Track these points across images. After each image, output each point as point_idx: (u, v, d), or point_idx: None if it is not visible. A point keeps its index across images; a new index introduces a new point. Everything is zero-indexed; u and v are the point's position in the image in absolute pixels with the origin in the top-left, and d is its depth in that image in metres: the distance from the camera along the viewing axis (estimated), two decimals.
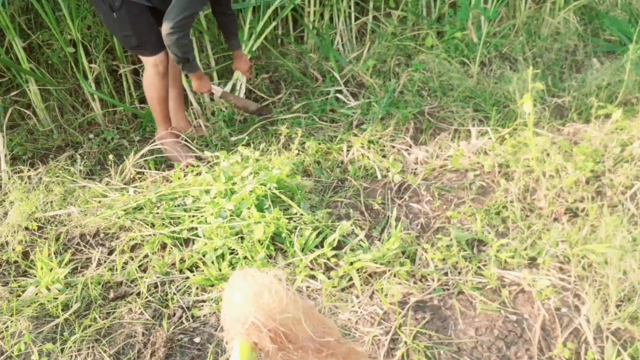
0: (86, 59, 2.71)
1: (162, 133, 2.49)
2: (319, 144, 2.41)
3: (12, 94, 2.72)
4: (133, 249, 1.98)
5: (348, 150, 2.40)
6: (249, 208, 1.99)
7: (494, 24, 3.26)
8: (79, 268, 1.94)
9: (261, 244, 1.87)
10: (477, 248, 1.89)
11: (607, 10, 3.33)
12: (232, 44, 2.57)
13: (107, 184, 2.30)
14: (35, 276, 1.87)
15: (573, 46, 3.14)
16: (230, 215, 1.99)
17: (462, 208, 2.05)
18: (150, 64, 2.33)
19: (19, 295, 1.82)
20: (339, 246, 1.90)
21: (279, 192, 2.02)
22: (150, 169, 2.40)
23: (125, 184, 2.32)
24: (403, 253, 1.86)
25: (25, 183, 2.25)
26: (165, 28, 2.14)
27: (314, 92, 2.92)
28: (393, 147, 2.42)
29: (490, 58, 3.04)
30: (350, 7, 3.27)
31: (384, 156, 2.37)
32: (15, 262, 1.97)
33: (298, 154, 2.39)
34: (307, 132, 2.56)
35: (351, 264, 1.80)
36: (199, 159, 2.44)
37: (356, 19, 3.34)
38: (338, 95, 2.84)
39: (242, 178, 2.13)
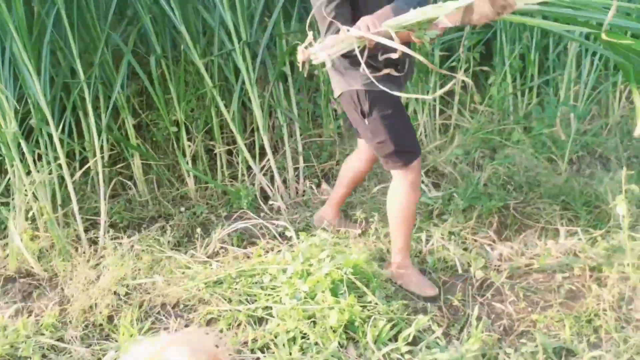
0: (186, 137, 2.95)
1: (401, 261, 2.15)
2: None
3: (118, 166, 2.99)
4: (209, 322, 2.03)
5: (427, 240, 2.36)
6: (323, 291, 1.98)
7: (585, 122, 3.19)
8: None
9: (334, 332, 1.84)
10: (565, 358, 1.75)
11: None
12: None
13: (191, 256, 2.41)
14: (117, 341, 1.95)
15: None
16: (305, 298, 1.99)
17: (550, 312, 1.92)
18: (402, 176, 2.03)
19: (100, 359, 1.89)
20: (414, 342, 1.83)
21: (355, 277, 2.01)
22: (233, 244, 2.49)
23: (208, 257, 2.42)
24: (483, 356, 1.75)
25: (120, 249, 2.41)
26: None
27: None
28: (475, 240, 2.36)
29: (579, 156, 2.95)
30: (435, 100, 3.35)
31: (465, 249, 2.30)
32: (100, 325, 2.07)
33: (376, 239, 2.39)
34: (385, 219, 2.56)
35: None
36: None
37: (441, 112, 3.41)
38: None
39: (319, 260, 2.15)
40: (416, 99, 3.26)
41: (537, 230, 2.38)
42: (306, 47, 1.65)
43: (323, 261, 2.12)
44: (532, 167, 2.77)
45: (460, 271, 2.19)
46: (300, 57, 1.64)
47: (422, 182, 2.86)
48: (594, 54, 3.18)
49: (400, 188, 2.05)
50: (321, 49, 1.61)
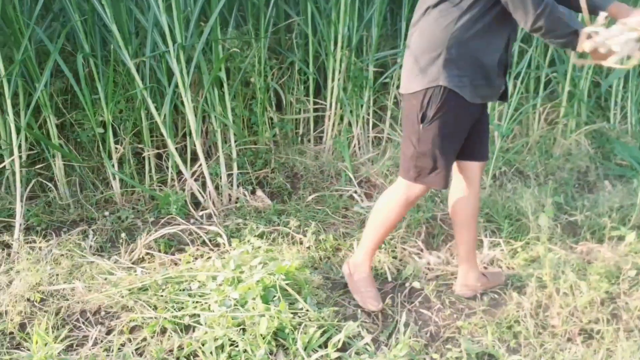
0: (113, 139, 2.82)
1: (361, 262, 2.11)
2: (335, 239, 2.42)
3: (38, 166, 2.80)
4: (132, 330, 1.92)
5: None
6: (254, 298, 1.95)
7: (508, 140, 3.38)
8: (74, 345, 1.87)
9: (263, 339, 1.80)
10: None
11: (618, 137, 3.45)
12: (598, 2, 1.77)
13: (115, 262, 2.29)
14: (29, 350, 1.81)
15: (585, 167, 3.22)
16: (235, 305, 1.94)
17: (473, 319, 1.99)
18: (405, 187, 1.95)
19: None
20: (344, 348, 1.83)
21: (286, 284, 1.99)
22: (160, 251, 2.40)
23: (133, 263, 2.31)
24: None
25: (36, 253, 2.25)
26: (529, 24, 1.67)
27: (328, 188, 2.98)
28: (404, 249, 2.42)
29: (502, 172, 3.11)
30: (369, 114, 3.42)
31: (394, 257, 2.35)
32: (11, 333, 1.91)
33: (309, 247, 2.39)
34: (319, 227, 2.57)
35: None
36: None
37: (374, 125, 3.49)
38: (353, 194, 2.89)
39: (250, 267, 2.11)
40: (350, 111, 3.32)
41: None
42: (590, 36, 1.50)
43: (255, 268, 2.09)
44: None
45: (389, 279, 2.23)
46: (586, 45, 1.52)
47: (355, 192, 2.91)
48: (516, 76, 3.39)
49: (397, 196, 1.97)
50: (608, 39, 1.49)
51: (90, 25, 2.71)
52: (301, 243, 2.42)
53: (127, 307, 2.01)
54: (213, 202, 2.82)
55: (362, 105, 3.36)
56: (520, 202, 2.64)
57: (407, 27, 3.43)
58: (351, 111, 3.32)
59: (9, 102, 2.42)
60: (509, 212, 2.65)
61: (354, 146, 3.36)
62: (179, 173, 2.90)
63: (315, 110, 3.43)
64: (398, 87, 3.49)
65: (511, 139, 3.43)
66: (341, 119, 3.41)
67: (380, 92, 3.53)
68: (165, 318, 1.92)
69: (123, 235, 2.46)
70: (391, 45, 3.52)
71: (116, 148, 2.85)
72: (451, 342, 1.92)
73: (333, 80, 3.29)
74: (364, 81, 3.31)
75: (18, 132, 2.50)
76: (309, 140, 3.41)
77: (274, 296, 1.96)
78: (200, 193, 2.82)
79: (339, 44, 3.18)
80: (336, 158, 3.25)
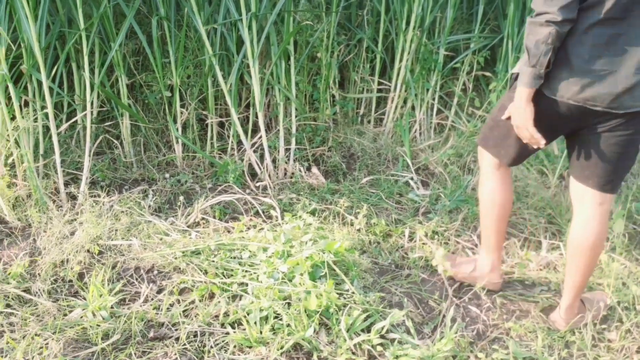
0: (179, 104, 2.88)
1: (486, 267, 2.03)
2: (386, 224, 2.38)
3: (107, 124, 2.91)
4: (182, 292, 1.98)
5: (410, 237, 2.35)
6: (302, 274, 1.96)
7: None
8: (126, 300, 1.95)
9: (308, 316, 1.81)
10: None
11: None
12: None
13: (171, 223, 2.36)
14: (85, 299, 1.90)
15: None
16: (282, 278, 1.96)
17: (524, 322, 1.92)
18: (489, 161, 1.89)
19: (66, 315, 1.84)
20: (387, 335, 1.81)
21: (335, 264, 1.99)
22: (215, 217, 2.44)
23: (188, 226, 2.37)
24: (454, 357, 1.74)
25: (99, 207, 2.35)
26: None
27: (384, 171, 2.94)
28: (458, 242, 2.35)
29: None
30: (434, 99, 3.33)
31: (447, 250, 2.29)
32: (70, 281, 2.01)
33: (359, 230, 2.37)
34: (371, 210, 2.54)
35: (397, 357, 1.70)
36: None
37: (438, 111, 3.38)
38: (409, 180, 2.83)
39: (300, 242, 2.12)
40: (415, 95, 3.23)
41: (520, 240, 2.37)
42: None
43: (305, 244, 2.10)
44: (523, 178, 2.77)
45: (440, 271, 2.18)
46: None
47: (412, 179, 2.85)
48: None
49: (484, 174, 1.94)
50: None
51: None
52: (352, 224, 2.40)
53: (179, 268, 2.06)
54: (269, 175, 2.84)
55: (428, 90, 3.26)
56: None
57: (485, 11, 3.29)
58: (416, 95, 3.23)
59: (86, 58, 2.50)
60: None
61: (415, 131, 3.29)
62: (239, 143, 2.93)
63: (379, 90, 3.37)
64: (468, 73, 3.36)
65: None
66: (404, 102, 3.33)
67: (449, 77, 3.41)
68: (214, 283, 1.96)
69: (181, 198, 2.52)
70: (465, 29, 3.37)
71: (181, 113, 2.91)
72: (498, 343, 1.86)
73: (401, 60, 3.21)
74: (432, 64, 3.21)
75: (92, 89, 2.60)
76: (369, 121, 3.36)
77: (322, 274, 1.96)
78: (258, 165, 2.84)
79: (412, 23, 3.09)
80: (395, 142, 3.18)
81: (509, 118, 1.72)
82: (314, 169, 2.94)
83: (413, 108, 3.29)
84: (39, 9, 2.35)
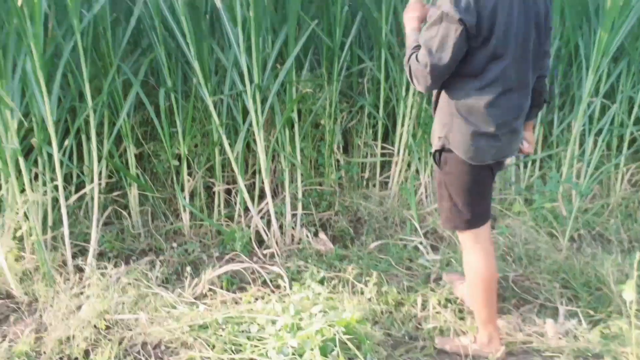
0: (187, 172, 2.91)
1: (484, 338, 2.02)
2: (398, 293, 2.34)
3: (115, 193, 2.93)
4: None
5: (423, 306, 2.30)
6: (312, 349, 1.90)
7: (586, 200, 3.20)
8: None
9: None
10: None
11: None
12: (532, 113, 1.98)
13: (179, 295, 2.32)
14: None
15: None
16: (292, 354, 1.91)
17: None
18: (470, 240, 1.96)
19: None
20: None
21: (347, 338, 1.93)
22: (222, 287, 2.41)
23: (195, 298, 2.33)
24: None
25: (106, 280, 2.32)
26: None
27: (392, 236, 2.92)
28: (472, 311, 2.30)
29: (580, 234, 2.93)
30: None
31: (461, 318, 2.24)
32: (76, 358, 1.96)
33: (369, 299, 2.32)
34: (381, 277, 2.50)
35: None
36: None
37: None
38: (418, 245, 2.81)
39: (310, 314, 2.08)
40: (419, 158, 3.26)
41: (535, 306, 2.32)
42: None
43: (314, 316, 2.05)
44: (533, 240, 2.74)
45: (450, 335, 2.12)
46: None
47: (420, 243, 2.82)
48: (597, 133, 3.22)
49: (469, 253, 2.00)
50: None
51: (174, 60, 2.85)
52: (362, 293, 2.36)
53: (187, 344, 2.01)
54: (276, 242, 2.82)
55: (431, 153, 3.30)
56: (600, 269, 2.46)
57: None
58: (419, 158, 3.26)
59: (93, 131, 2.55)
60: (587, 279, 2.47)
61: (421, 194, 3.29)
62: (246, 209, 2.94)
63: (383, 155, 3.40)
64: None
65: (590, 199, 3.23)
66: (408, 165, 3.36)
67: None
68: (222, 359, 1.91)
69: (188, 268, 2.50)
70: None
71: (188, 180, 2.93)
72: None
73: (402, 125, 3.26)
74: None
75: (99, 159, 2.64)
76: (374, 185, 3.38)
77: (332, 350, 1.90)
78: (265, 231, 2.83)
79: (411, 90, 3.16)
80: (401, 205, 3.18)
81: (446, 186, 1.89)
82: (321, 235, 2.93)
83: (417, 171, 3.31)
84: (53, 85, 2.42)
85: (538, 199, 3.05)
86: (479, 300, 1.99)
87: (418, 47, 1.76)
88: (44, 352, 1.97)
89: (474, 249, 1.95)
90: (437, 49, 1.67)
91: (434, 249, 2.81)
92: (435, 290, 2.39)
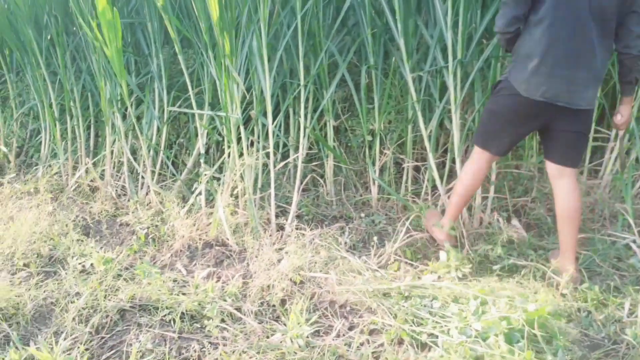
0: (379, 147, 3.00)
1: (439, 229, 2.52)
2: (600, 292, 2.12)
3: (313, 164, 3.18)
4: (372, 332, 2.02)
5: (631, 312, 2.03)
6: (496, 335, 1.84)
7: None
8: (320, 332, 2.06)
9: None
10: None
11: None
12: (624, 88, 2.24)
13: (364, 262, 2.44)
14: (285, 325, 2.07)
15: None
16: (475, 337, 1.87)
17: None
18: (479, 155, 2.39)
19: (268, 337, 2.02)
20: None
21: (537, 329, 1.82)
22: (406, 258, 2.46)
23: (380, 267, 2.42)
24: None
25: (302, 239, 2.55)
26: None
27: (599, 230, 2.62)
28: None
29: None
30: None
31: None
32: (274, 305, 2.21)
33: (563, 295, 2.14)
34: (582, 273, 2.28)
35: None
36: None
37: None
38: (630, 243, 2.48)
39: (495, 298, 2.00)
40: None
41: None
42: None
43: (501, 301, 1.97)
44: None
45: None
46: None
47: (634, 241, 2.49)
48: None
49: (474, 160, 2.43)
50: None
51: (378, 39, 2.93)
52: (556, 287, 2.18)
53: (370, 308, 2.11)
54: (463, 223, 2.75)
55: None
56: None
57: None
58: None
59: (302, 106, 2.79)
60: None
61: (639, 187, 2.88)
62: (434, 187, 2.92)
63: (595, 139, 3.05)
64: None
65: None
66: (626, 152, 2.95)
67: None
68: (403, 330, 1.96)
69: (375, 238, 2.60)
70: None
71: (380, 155, 3.02)
72: None
73: None
74: None
75: (304, 132, 2.88)
76: (581, 172, 3.05)
77: (518, 340, 1.81)
78: None
79: None
80: (613, 197, 2.83)
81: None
82: (514, 221, 2.77)
83: (637, 160, 2.89)
84: (273, 63, 2.71)
85: None
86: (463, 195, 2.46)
87: None
88: (249, 295, 2.26)
89: (480, 161, 2.38)
90: None
91: None
92: None
